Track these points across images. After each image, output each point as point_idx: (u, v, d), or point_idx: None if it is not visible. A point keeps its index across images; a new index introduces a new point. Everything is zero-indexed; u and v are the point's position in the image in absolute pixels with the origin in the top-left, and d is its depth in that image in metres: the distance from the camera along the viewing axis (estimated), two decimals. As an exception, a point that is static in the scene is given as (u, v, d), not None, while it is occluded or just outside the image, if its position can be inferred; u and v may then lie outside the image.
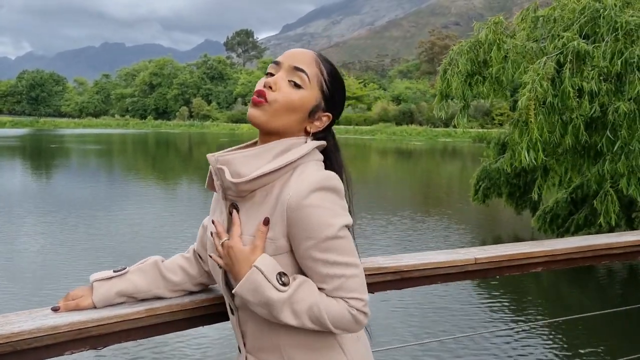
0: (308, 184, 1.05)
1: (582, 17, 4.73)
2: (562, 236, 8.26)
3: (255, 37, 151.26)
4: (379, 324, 5.42)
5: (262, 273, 1.06)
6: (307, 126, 1.17)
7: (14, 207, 12.71)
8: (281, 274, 1.07)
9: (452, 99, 5.59)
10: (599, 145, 5.07)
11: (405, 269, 1.70)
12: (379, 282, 1.67)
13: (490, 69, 5.11)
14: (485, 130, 38.32)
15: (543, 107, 4.79)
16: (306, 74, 1.13)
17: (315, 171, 1.09)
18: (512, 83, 5.18)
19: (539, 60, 4.74)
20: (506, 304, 6.52)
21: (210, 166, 1.16)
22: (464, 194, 12.22)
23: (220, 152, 1.18)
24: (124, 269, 1.29)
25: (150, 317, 1.26)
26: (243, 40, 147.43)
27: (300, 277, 1.10)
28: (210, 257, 1.18)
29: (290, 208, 1.05)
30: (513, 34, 5.23)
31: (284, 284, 1.07)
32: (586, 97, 4.66)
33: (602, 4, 4.67)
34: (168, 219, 11.95)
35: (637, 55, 4.49)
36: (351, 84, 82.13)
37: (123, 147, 40.48)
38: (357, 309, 1.10)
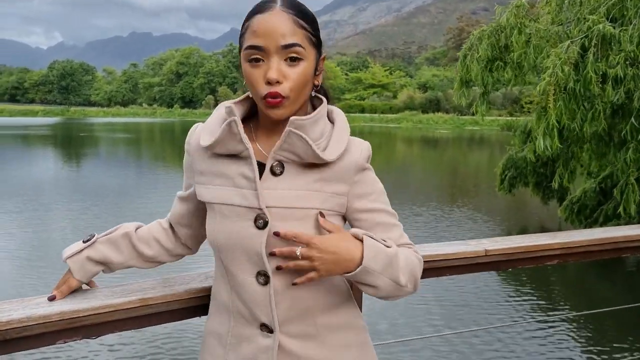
0: (366, 149, 1.15)
1: (610, -1, 4.54)
2: (590, 227, 8.05)
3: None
4: (382, 317, 5.35)
5: (372, 237, 1.09)
6: (314, 82, 1.13)
7: (43, 196, 13.00)
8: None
9: (473, 86, 5.44)
10: (623, 132, 4.88)
11: (411, 261, 1.65)
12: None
13: (512, 54, 4.94)
14: (513, 118, 37.58)
15: (564, 93, 4.62)
16: (299, 45, 1.04)
17: (357, 138, 1.17)
18: (534, 68, 5.01)
19: (561, 44, 4.56)
20: (527, 296, 6.38)
21: (236, 123, 1.07)
22: (490, 184, 12.02)
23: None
24: (93, 236, 1.24)
25: (144, 307, 1.24)
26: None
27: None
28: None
29: (357, 169, 1.13)
30: (537, 17, 5.05)
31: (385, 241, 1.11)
32: (610, 82, 4.48)
33: (631, -15, 4.47)
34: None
35: (668, 39, 4.28)
36: (377, 72, 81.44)
37: (151, 135, 41.02)
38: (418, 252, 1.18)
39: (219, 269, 1.18)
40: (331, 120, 1.16)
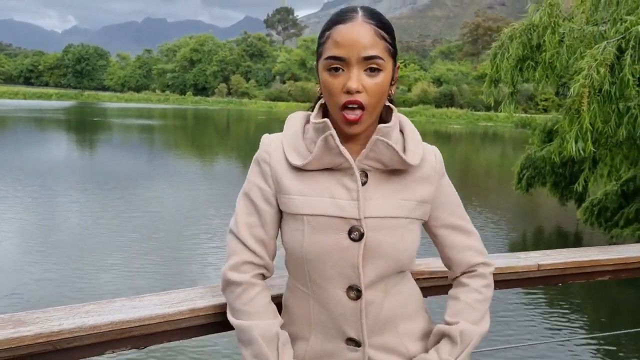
0: (439, 154, 1.19)
1: (649, 0, 4.41)
2: (610, 230, 7.94)
3: (295, 15, 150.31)
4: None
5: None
6: (389, 92, 1.12)
7: (54, 181, 13.04)
8: None
9: (500, 84, 5.33)
10: (659, 137, 4.77)
11: (460, 273, 1.59)
12: (429, 286, 1.56)
13: (544, 54, 4.83)
14: (528, 115, 37.21)
15: (598, 96, 4.51)
16: (379, 57, 1.04)
17: (426, 143, 1.19)
18: (567, 69, 4.90)
19: (597, 45, 4.45)
20: (569, 312, 6.14)
21: (333, 137, 1.05)
22: (505, 182, 11.89)
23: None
24: None
25: (192, 317, 1.20)
26: (283, 18, 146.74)
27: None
28: None
29: (438, 175, 1.16)
30: (571, 16, 4.93)
31: None
32: (648, 86, 4.37)
33: (672, -14, 4.34)
34: (203, 197, 12.11)
35: None
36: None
37: (164, 122, 41.09)
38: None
39: (298, 280, 1.14)
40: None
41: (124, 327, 1.12)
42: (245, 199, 1.15)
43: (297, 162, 1.08)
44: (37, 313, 1.11)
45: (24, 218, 9.24)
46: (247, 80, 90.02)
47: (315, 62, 1.12)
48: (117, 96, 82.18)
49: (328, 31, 1.07)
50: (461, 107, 61.12)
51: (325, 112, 1.13)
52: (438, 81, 73.19)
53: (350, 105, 1.04)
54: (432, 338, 1.17)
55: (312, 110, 1.16)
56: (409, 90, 71.94)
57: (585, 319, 5.99)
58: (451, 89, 66.34)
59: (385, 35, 1.06)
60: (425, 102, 64.66)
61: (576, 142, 4.33)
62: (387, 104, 1.15)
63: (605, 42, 4.24)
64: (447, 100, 65.14)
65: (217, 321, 1.23)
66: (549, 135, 9.76)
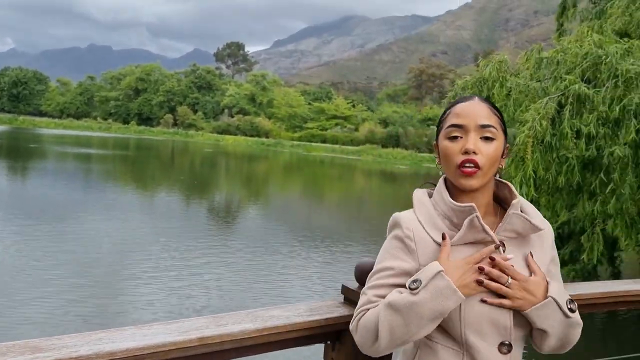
0: (543, 217, 1.30)
1: (585, 62, 4.89)
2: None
3: (245, 50, 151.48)
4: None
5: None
6: (500, 164, 1.29)
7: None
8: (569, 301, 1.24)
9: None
10: (592, 185, 5.19)
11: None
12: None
13: (493, 105, 5.22)
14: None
15: (541, 146, 4.92)
16: (493, 127, 1.24)
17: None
18: (513, 120, 5.31)
19: (540, 100, 4.86)
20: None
21: (478, 218, 1.19)
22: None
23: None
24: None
25: (201, 345, 1.26)
26: (233, 52, 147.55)
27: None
28: (485, 301, 1.18)
29: (551, 237, 1.31)
30: (517, 72, 5.37)
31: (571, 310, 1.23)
32: (583, 139, 4.79)
33: (604, 50, 4.83)
34: (140, 231, 11.84)
35: (635, 103, 4.62)
36: (340, 104, 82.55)
37: (104, 151, 39.96)
38: None
39: (448, 340, 1.24)
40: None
41: (137, 354, 1.16)
42: (384, 271, 1.27)
43: (441, 239, 1.22)
44: (51, 340, 1.14)
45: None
46: (195, 112, 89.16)
47: (435, 142, 1.32)
48: (54, 122, 79.31)
49: (449, 109, 1.30)
50: (406, 148, 62.80)
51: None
52: (384, 122, 75.15)
53: (467, 164, 1.21)
54: None
55: (424, 186, 1.39)
56: (357, 129, 73.46)
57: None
58: (397, 130, 68.20)
59: (497, 114, 1.28)
60: (372, 142, 66.12)
61: (521, 187, 4.68)
62: (503, 180, 1.32)
63: (547, 97, 4.66)
64: (393, 140, 66.84)
65: (224, 349, 1.29)
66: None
